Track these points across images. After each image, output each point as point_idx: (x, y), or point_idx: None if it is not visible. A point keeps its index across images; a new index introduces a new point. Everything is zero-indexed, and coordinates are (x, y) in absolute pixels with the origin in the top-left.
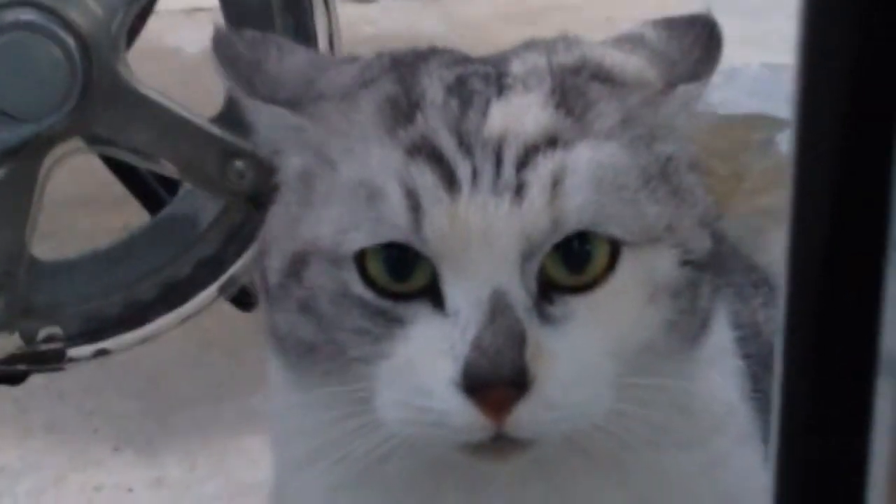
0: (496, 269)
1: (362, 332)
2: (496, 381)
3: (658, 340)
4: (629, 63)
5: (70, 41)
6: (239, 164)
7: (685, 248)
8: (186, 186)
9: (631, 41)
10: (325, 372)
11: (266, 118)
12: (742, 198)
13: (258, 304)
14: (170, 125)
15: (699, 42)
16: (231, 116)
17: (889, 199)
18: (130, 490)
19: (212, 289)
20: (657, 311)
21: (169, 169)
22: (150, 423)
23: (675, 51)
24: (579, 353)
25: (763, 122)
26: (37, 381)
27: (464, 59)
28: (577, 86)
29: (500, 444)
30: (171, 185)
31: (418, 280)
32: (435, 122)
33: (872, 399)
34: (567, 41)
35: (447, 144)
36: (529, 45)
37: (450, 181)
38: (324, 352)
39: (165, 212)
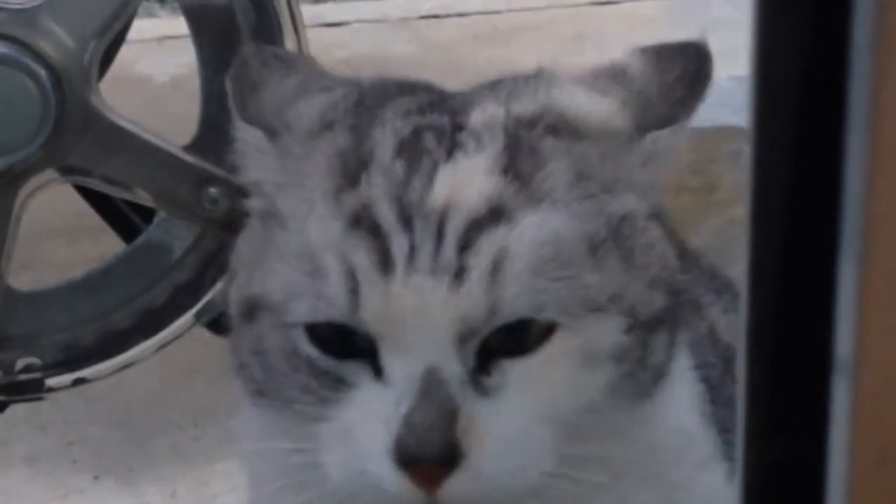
0: (431, 349)
1: (308, 391)
2: (425, 459)
3: (600, 404)
4: (596, 108)
5: (42, 73)
6: (213, 190)
7: (632, 314)
8: (161, 214)
9: (610, 76)
10: (277, 410)
11: (244, 138)
12: (713, 209)
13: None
14: (143, 154)
15: (685, 77)
16: (204, 143)
17: (841, 205)
18: None
19: (189, 315)
20: (597, 377)
21: (143, 197)
22: (131, 451)
23: (655, 88)
24: (513, 423)
25: (732, 134)
26: (17, 412)
27: (428, 105)
28: (530, 143)
29: None
30: (146, 213)
31: (363, 345)
32: (377, 190)
33: (829, 398)
34: (537, 81)
35: (386, 217)
36: (496, 86)
37: (385, 260)
38: (274, 398)
39: (141, 240)
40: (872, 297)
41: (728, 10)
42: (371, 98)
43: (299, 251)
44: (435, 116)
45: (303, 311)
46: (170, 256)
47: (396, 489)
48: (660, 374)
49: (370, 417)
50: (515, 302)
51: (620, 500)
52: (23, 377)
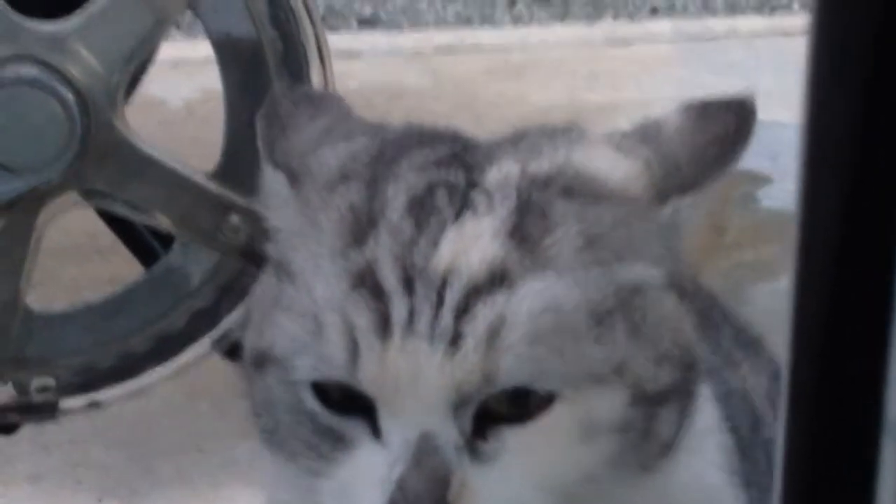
0: (426, 414)
1: (311, 446)
2: None
3: (600, 474)
4: (615, 170)
5: (69, 96)
6: (235, 219)
7: (637, 388)
8: (181, 240)
9: (642, 135)
10: (284, 461)
11: (269, 183)
12: (723, 252)
13: None
14: (166, 180)
15: (724, 137)
16: (227, 172)
17: (894, 258)
18: None
19: (205, 342)
20: (597, 448)
21: (164, 223)
22: (135, 473)
23: (687, 151)
24: (508, 491)
25: (744, 178)
26: (22, 432)
27: (446, 158)
28: (540, 205)
29: None
30: (166, 239)
31: (365, 402)
32: (383, 250)
33: (878, 464)
34: (561, 137)
35: (389, 279)
36: (519, 140)
37: (384, 323)
38: (282, 450)
39: (160, 265)
40: None
41: (742, 54)
42: (391, 150)
43: (304, 308)
44: (451, 172)
45: (306, 369)
46: (188, 282)
47: None
48: (666, 447)
49: (366, 479)
50: (511, 371)
51: None
52: (37, 398)
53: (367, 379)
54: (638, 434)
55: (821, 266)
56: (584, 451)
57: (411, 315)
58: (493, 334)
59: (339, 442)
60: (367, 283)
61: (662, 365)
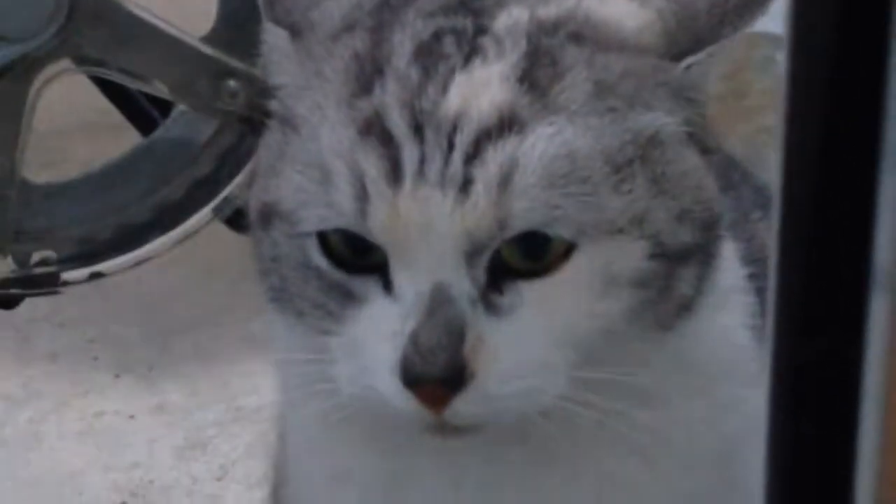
0: (438, 264)
1: (319, 304)
2: (429, 379)
3: (618, 329)
4: (629, 19)
5: None
6: (232, 83)
7: (656, 241)
8: (179, 107)
9: None
10: (291, 319)
11: (270, 39)
12: (743, 116)
13: None
14: (160, 45)
15: None
16: (223, 35)
17: (883, 114)
18: (131, 416)
19: (206, 210)
20: (615, 302)
21: (160, 89)
22: (151, 349)
23: (704, 2)
24: (524, 344)
25: (763, 40)
26: (38, 309)
27: (454, 4)
28: (550, 51)
29: (443, 428)
30: (164, 107)
31: (374, 258)
32: (391, 96)
33: (866, 313)
34: None
35: (398, 126)
36: None
37: (394, 170)
38: (289, 308)
39: (158, 133)
40: None
41: None
42: None
43: (311, 158)
44: (458, 18)
45: (313, 219)
46: (187, 150)
47: (403, 408)
48: (685, 307)
49: (378, 333)
50: (524, 215)
51: (655, 423)
52: (38, 270)
53: (378, 227)
54: (656, 290)
55: (809, 116)
56: (602, 305)
57: (422, 161)
58: (505, 178)
59: (347, 298)
60: (375, 130)
61: (683, 222)
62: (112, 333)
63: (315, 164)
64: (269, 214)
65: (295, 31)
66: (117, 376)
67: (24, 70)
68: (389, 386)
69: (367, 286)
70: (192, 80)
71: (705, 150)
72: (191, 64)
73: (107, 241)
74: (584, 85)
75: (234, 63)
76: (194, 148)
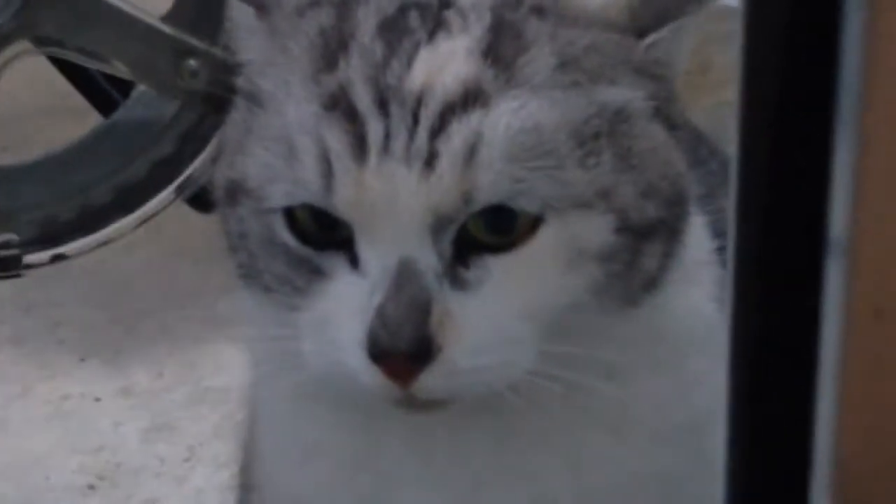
0: (404, 239)
1: (286, 280)
2: (395, 353)
3: (584, 303)
4: None
5: None
6: (192, 62)
7: (622, 216)
8: (140, 87)
9: None
10: (259, 295)
11: (235, 15)
12: (705, 90)
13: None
14: (119, 24)
15: None
16: (183, 14)
17: (837, 83)
18: (97, 399)
19: (168, 190)
20: (581, 276)
21: (120, 69)
22: (117, 332)
23: None
24: (491, 318)
25: (727, 14)
26: (2, 293)
27: None
28: (513, 24)
29: (411, 402)
30: (124, 87)
31: (340, 234)
32: (355, 72)
33: (822, 280)
34: None
35: (363, 101)
36: None
37: (359, 145)
38: (257, 284)
39: (119, 114)
40: (870, 177)
41: None
42: None
43: (276, 134)
44: None
45: (278, 195)
46: (149, 131)
47: (369, 381)
48: (651, 283)
49: (345, 308)
50: (490, 189)
51: (624, 397)
52: (0, 254)
53: (343, 202)
54: (623, 265)
55: (765, 84)
56: (568, 278)
57: (386, 136)
58: (470, 152)
59: (314, 274)
60: (340, 105)
61: (650, 197)
62: (77, 316)
63: (281, 140)
64: (235, 191)
65: (260, 8)
66: (83, 359)
67: None
68: (356, 360)
69: (334, 262)
70: (152, 60)
71: (672, 126)
72: (150, 43)
73: (69, 222)
74: (548, 58)
75: (195, 42)
76: (155, 128)
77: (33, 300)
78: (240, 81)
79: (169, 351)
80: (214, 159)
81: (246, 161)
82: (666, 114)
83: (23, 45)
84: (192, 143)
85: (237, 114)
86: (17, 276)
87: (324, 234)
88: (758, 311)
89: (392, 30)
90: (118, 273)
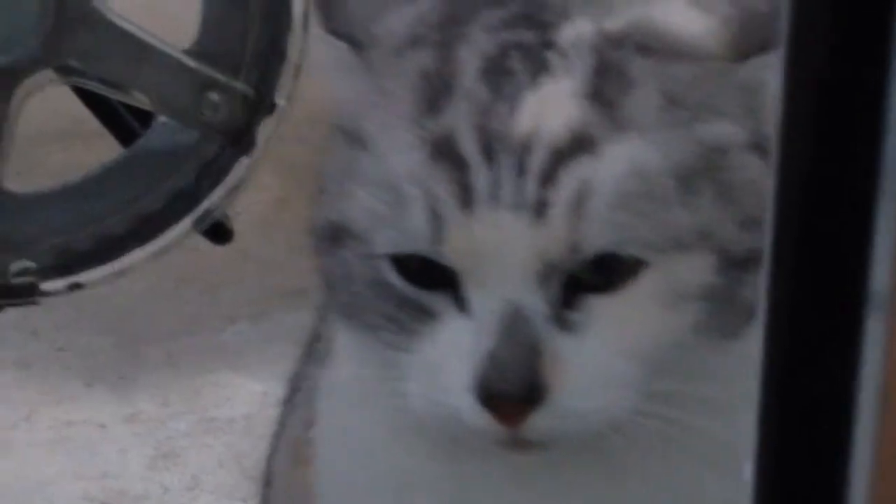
0: (513, 286)
1: (393, 320)
2: (507, 397)
3: (687, 343)
4: (693, 25)
5: None
6: (213, 95)
7: (723, 252)
8: (160, 118)
9: None
10: (362, 334)
11: (328, 52)
12: None
13: (233, 238)
14: (143, 56)
15: None
16: (205, 47)
17: (882, 134)
18: (102, 426)
19: (185, 222)
20: (684, 315)
21: (142, 101)
22: (123, 358)
23: (767, 4)
24: (598, 360)
25: None
26: (8, 317)
27: (517, 18)
28: (617, 64)
29: (518, 443)
30: (144, 118)
31: (447, 275)
32: (460, 117)
33: (862, 336)
34: None
35: (469, 148)
36: None
37: (468, 194)
38: (360, 324)
39: (138, 144)
40: None
41: None
42: (459, 11)
43: (381, 179)
44: (523, 32)
45: (386, 242)
46: (168, 162)
47: (478, 425)
48: (750, 313)
49: (452, 351)
50: (598, 237)
51: (715, 437)
52: (16, 281)
53: (452, 251)
54: (724, 300)
55: (803, 137)
56: (671, 318)
57: (494, 184)
58: (579, 201)
59: (422, 315)
60: (446, 152)
61: (749, 228)
62: (83, 342)
63: (386, 186)
64: (339, 234)
65: (356, 45)
66: (88, 385)
67: (6, 80)
68: (464, 404)
69: (441, 303)
70: (174, 92)
71: (765, 153)
72: (173, 75)
73: (86, 251)
74: (654, 98)
75: (217, 75)
76: (174, 159)
77: (39, 325)
78: (338, 119)
79: (174, 378)
80: (315, 198)
81: (350, 205)
82: (760, 142)
83: (47, 74)
84: (210, 175)
85: (337, 152)
86: (33, 303)
87: (430, 275)
88: (792, 369)
89: (495, 72)
90: (125, 299)
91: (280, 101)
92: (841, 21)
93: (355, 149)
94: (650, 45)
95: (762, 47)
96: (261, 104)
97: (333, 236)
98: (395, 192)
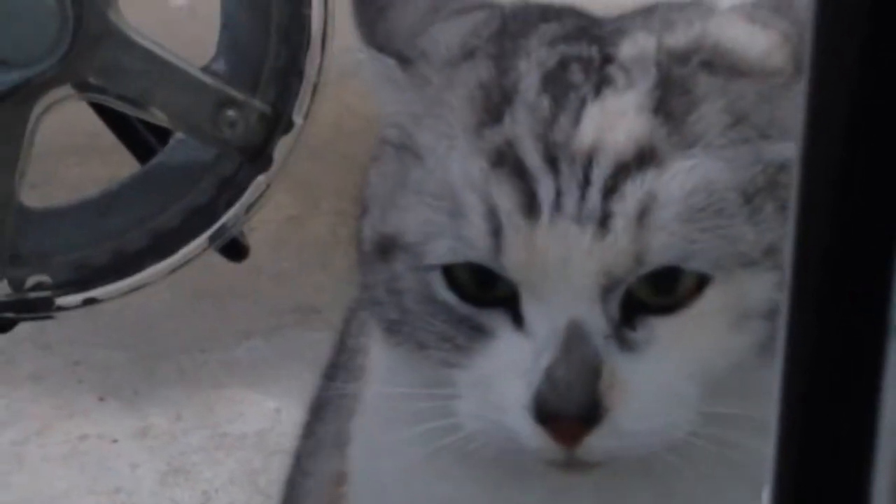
0: (574, 300)
1: (445, 338)
2: (565, 416)
3: (748, 363)
4: (755, 43)
5: None
6: (231, 113)
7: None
8: (177, 135)
9: (773, 5)
10: (410, 352)
11: (374, 68)
12: None
13: (248, 255)
14: (161, 73)
15: None
16: (223, 65)
17: None
18: (115, 440)
19: (202, 239)
20: (747, 336)
21: (160, 117)
22: (136, 373)
23: None
24: (658, 380)
25: None
26: (23, 331)
27: (575, 32)
28: (682, 80)
29: (573, 463)
30: (162, 134)
31: (503, 292)
32: (522, 127)
33: (883, 367)
34: (692, 10)
35: (532, 158)
36: (648, 14)
37: (531, 204)
38: (408, 340)
39: (155, 161)
40: None
41: None
42: (514, 24)
43: (438, 189)
44: (583, 46)
45: (441, 252)
46: (185, 178)
47: (534, 444)
48: None
49: (509, 369)
50: (662, 251)
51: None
52: (32, 295)
53: (513, 262)
54: None
55: (826, 162)
56: (734, 338)
57: (558, 195)
58: (644, 213)
59: (476, 332)
60: (507, 161)
61: None
62: (97, 356)
63: (443, 196)
64: (390, 247)
65: (403, 59)
66: (102, 399)
67: (25, 96)
68: (520, 422)
69: (496, 320)
70: (192, 109)
71: None
72: (190, 93)
73: (102, 266)
74: (720, 115)
75: (234, 93)
76: (192, 176)
77: (53, 338)
78: (388, 133)
79: (187, 394)
80: (361, 213)
81: (403, 216)
82: None
83: (65, 90)
84: (227, 192)
85: (387, 166)
86: (49, 317)
87: (483, 291)
88: (812, 398)
89: (556, 84)
90: (139, 314)
91: (297, 118)
92: (866, 51)
93: (407, 161)
94: (714, 62)
95: None
96: (278, 122)
97: (383, 250)
98: (452, 201)
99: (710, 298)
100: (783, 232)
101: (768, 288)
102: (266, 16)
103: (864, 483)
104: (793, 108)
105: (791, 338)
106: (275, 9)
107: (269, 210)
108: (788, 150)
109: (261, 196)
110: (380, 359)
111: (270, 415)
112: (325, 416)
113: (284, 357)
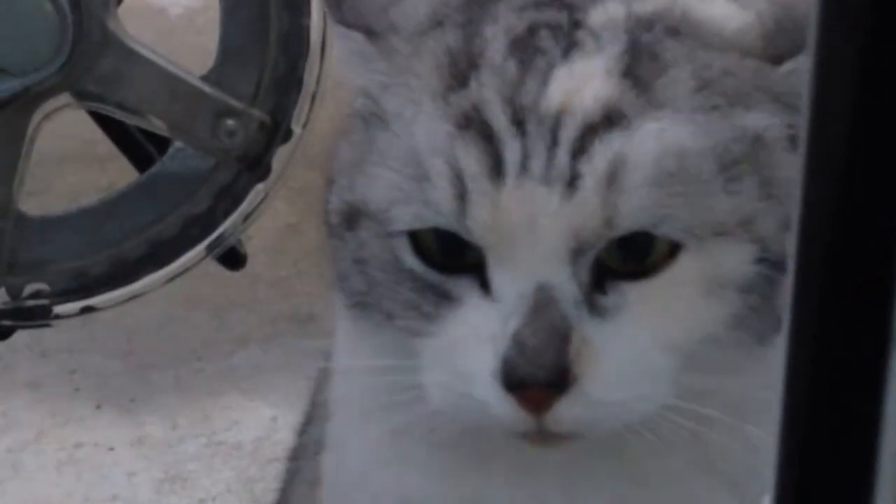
0: (542, 264)
1: (411, 305)
2: (533, 382)
3: (721, 335)
4: (729, 19)
5: None
6: (230, 122)
7: (762, 246)
8: (176, 144)
9: None
10: (377, 324)
11: (343, 44)
12: None
13: (245, 263)
14: (160, 82)
15: None
16: (222, 74)
17: None
18: (111, 448)
19: (200, 247)
20: (721, 306)
21: (158, 126)
22: (132, 381)
23: (805, 5)
24: (630, 348)
25: None
26: (20, 339)
27: None
28: (651, 46)
29: (543, 435)
30: (161, 143)
31: (470, 258)
32: (489, 90)
33: (885, 377)
34: None
35: (498, 120)
36: None
37: (497, 166)
38: (375, 311)
39: (154, 169)
40: None
41: None
42: None
43: (404, 154)
44: (552, 12)
45: (406, 217)
46: (183, 187)
47: (501, 413)
48: (781, 323)
49: (476, 336)
50: (633, 214)
51: (741, 438)
52: (30, 303)
53: (478, 226)
54: (760, 298)
55: (829, 173)
56: (707, 308)
57: (524, 156)
58: (613, 174)
59: (442, 299)
60: (474, 124)
61: (788, 229)
62: (93, 364)
63: (409, 161)
64: (355, 214)
65: (371, 33)
66: (98, 407)
67: (24, 104)
68: (488, 390)
69: (462, 286)
70: (191, 118)
71: None
72: (189, 102)
73: (100, 275)
74: (687, 81)
75: (233, 102)
76: (190, 185)
77: (50, 346)
78: (356, 103)
79: (183, 402)
80: (325, 184)
81: (368, 183)
82: None
83: (64, 98)
84: (225, 201)
85: (354, 136)
86: (47, 325)
87: (450, 257)
88: (814, 408)
89: (524, 49)
90: (135, 322)
91: (296, 127)
92: (868, 37)
93: (374, 129)
94: (681, 30)
95: (797, 48)
96: (277, 131)
97: (349, 219)
98: (417, 166)
99: (683, 266)
100: (762, 206)
101: (743, 260)
102: (265, 26)
103: (868, 478)
104: (764, 89)
105: (794, 333)
106: (274, 19)
107: (267, 218)
108: (760, 121)
109: (259, 205)
110: (344, 337)
111: (267, 423)
112: (314, 421)
113: (281, 365)
